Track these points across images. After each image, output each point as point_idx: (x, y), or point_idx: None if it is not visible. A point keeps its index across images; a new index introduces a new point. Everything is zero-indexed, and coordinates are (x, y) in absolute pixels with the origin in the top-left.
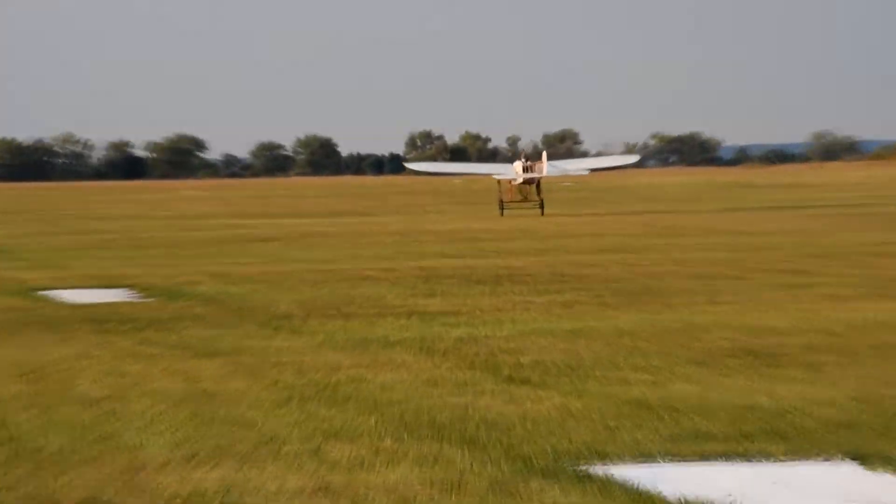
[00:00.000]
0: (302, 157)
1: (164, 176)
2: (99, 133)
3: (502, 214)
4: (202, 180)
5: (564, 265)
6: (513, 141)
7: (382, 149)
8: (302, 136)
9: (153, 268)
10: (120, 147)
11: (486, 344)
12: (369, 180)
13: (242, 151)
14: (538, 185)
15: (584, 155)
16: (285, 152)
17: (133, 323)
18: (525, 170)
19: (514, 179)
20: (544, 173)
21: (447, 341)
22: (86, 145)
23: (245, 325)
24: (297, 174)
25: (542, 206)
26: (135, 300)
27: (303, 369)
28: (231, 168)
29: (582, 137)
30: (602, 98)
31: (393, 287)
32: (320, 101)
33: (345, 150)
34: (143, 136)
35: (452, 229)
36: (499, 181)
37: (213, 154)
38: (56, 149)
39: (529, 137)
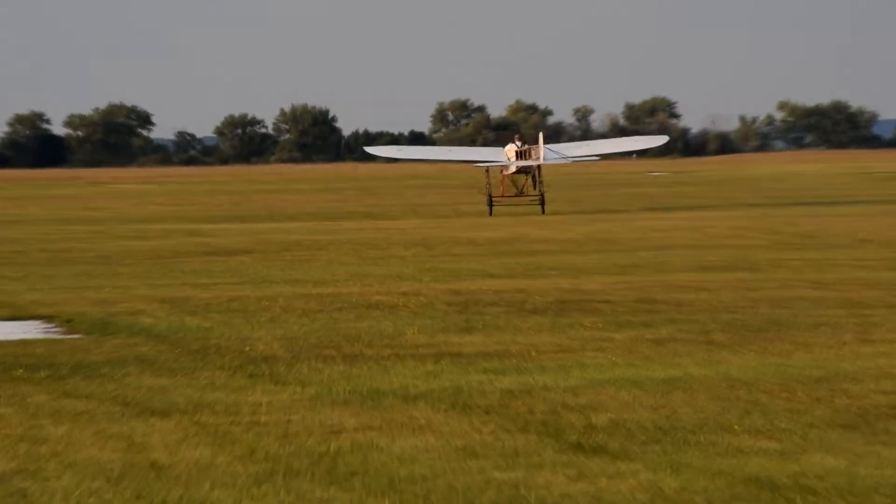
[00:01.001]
0: (287, 137)
1: (93, 162)
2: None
3: (491, 213)
4: (146, 169)
5: (655, 288)
6: (583, 114)
7: (399, 125)
8: (287, 107)
9: (78, 291)
10: (30, 122)
11: (544, 398)
12: (381, 169)
13: (204, 129)
14: (536, 175)
15: (684, 133)
16: (264, 130)
17: (52, 369)
18: (520, 155)
19: (506, 168)
20: (541, 160)
21: (490, 394)
22: None
23: (208, 370)
24: (281, 160)
25: (542, 202)
26: (54, 337)
27: (289, 433)
28: (188, 152)
29: (679, 109)
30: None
31: (415, 318)
32: (314, 60)
33: (346, 127)
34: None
35: (498, 237)
36: (486, 170)
37: (163, 132)
38: None
39: (605, 109)
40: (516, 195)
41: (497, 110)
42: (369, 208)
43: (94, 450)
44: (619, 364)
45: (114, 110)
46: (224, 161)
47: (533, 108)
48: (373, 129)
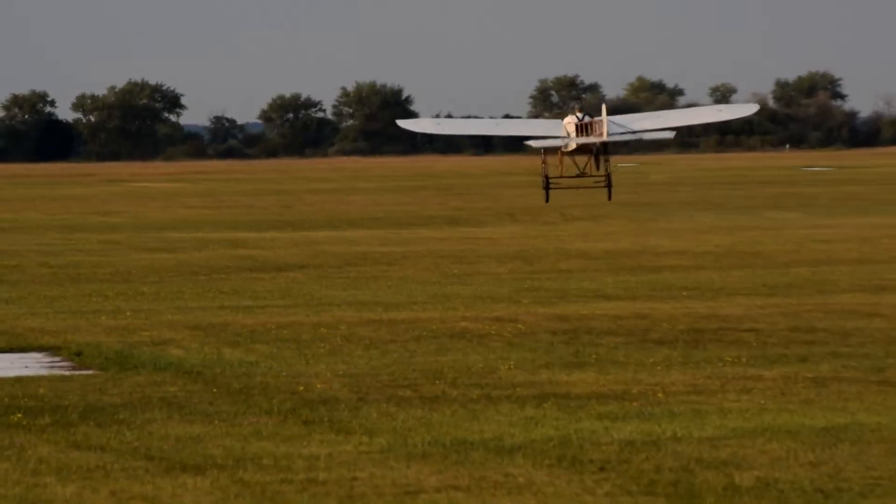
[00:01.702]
0: (351, 123)
1: (109, 155)
2: None
3: (547, 199)
4: (175, 163)
5: (815, 314)
6: (722, 94)
7: (491, 108)
8: (350, 85)
9: (90, 317)
10: (30, 105)
11: (674, 451)
12: (468, 162)
13: (246, 113)
14: (601, 154)
15: (851, 118)
16: (321, 114)
17: (58, 413)
18: (580, 130)
19: (565, 146)
20: (605, 136)
21: (606, 447)
22: None
23: (253, 415)
24: (342, 152)
25: (609, 185)
26: (60, 373)
27: (354, 494)
28: (226, 142)
29: (844, 88)
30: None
31: (511, 351)
32: (384, 27)
33: (424, 110)
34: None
35: (617, 248)
36: (542, 149)
37: (195, 117)
38: None
39: (751, 88)
40: (577, 176)
41: (614, 89)
42: (453, 212)
43: None
44: (770, 409)
45: (134, 90)
46: (271, 153)
47: (659, 87)
48: (457, 112)
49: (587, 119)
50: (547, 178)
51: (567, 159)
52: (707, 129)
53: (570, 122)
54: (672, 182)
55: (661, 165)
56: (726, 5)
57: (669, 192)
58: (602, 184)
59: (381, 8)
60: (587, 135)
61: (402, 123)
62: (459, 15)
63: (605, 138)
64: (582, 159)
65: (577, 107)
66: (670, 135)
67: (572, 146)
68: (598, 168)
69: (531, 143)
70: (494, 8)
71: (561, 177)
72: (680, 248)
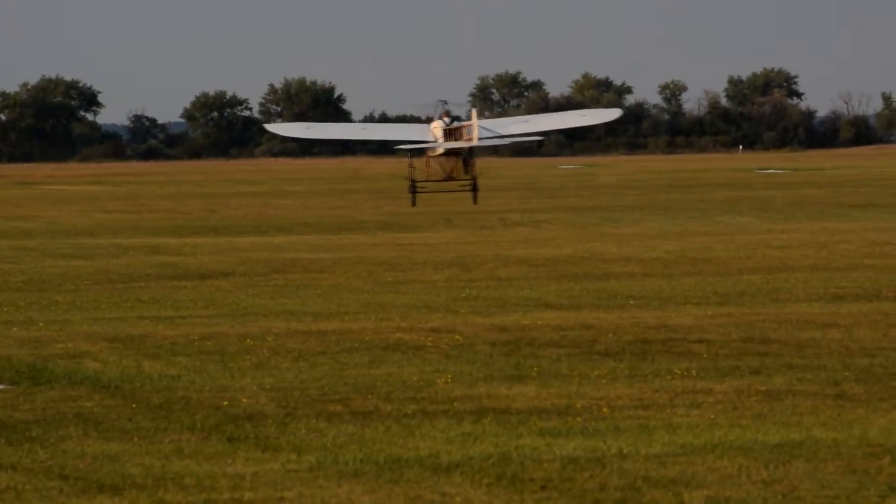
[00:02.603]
0: (280, 122)
1: (22, 156)
2: None
3: (414, 203)
4: (92, 164)
5: (768, 323)
6: (672, 92)
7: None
8: (279, 82)
9: (2, 328)
10: None
11: (620, 469)
12: (403, 165)
13: (168, 111)
14: (468, 158)
15: (807, 117)
16: (248, 112)
17: None
18: (448, 134)
19: (432, 150)
20: (475, 140)
21: (549, 464)
22: None
23: (174, 432)
24: (270, 153)
25: (474, 189)
26: None
27: None
28: (146, 142)
29: (801, 86)
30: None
31: (448, 363)
32: (314, 22)
33: (357, 109)
34: None
35: (560, 255)
36: (409, 152)
37: (113, 115)
38: None
39: (702, 85)
40: (444, 180)
41: (558, 87)
42: (387, 217)
43: None
44: (721, 424)
45: (48, 87)
46: (195, 154)
47: (606, 85)
48: (392, 111)
49: (454, 124)
50: (413, 181)
51: (434, 163)
52: (656, 129)
53: (437, 126)
54: (619, 185)
55: (607, 167)
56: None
57: (616, 195)
58: (468, 188)
59: (313, 3)
60: (455, 139)
61: (270, 128)
62: (397, 10)
63: (475, 143)
64: (449, 162)
65: (444, 112)
66: (539, 138)
67: (440, 151)
68: (465, 172)
69: (400, 147)
70: (434, 3)
71: (427, 180)
72: (627, 255)
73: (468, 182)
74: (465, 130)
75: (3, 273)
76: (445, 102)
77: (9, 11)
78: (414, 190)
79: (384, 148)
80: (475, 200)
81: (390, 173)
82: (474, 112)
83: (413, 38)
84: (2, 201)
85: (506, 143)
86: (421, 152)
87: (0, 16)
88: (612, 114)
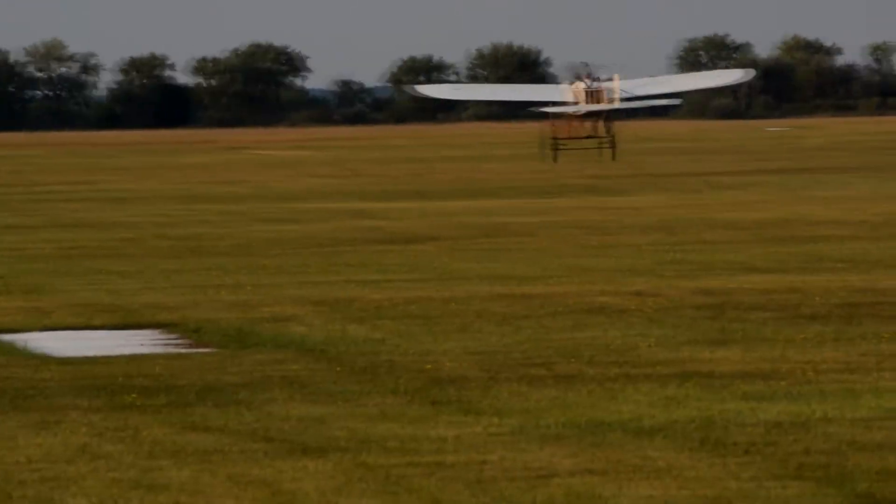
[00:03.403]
0: (481, 83)
1: (230, 121)
2: (107, 45)
3: (555, 159)
4: (299, 129)
5: None
6: (882, 52)
7: (634, 69)
8: (485, 47)
9: (210, 291)
10: (146, 68)
11: (825, 434)
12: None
13: (374, 76)
14: (608, 118)
15: None
16: (454, 77)
17: (174, 394)
18: (589, 95)
19: (575, 111)
20: (617, 101)
21: (753, 428)
22: (86, 66)
23: (378, 395)
24: (477, 117)
25: (613, 146)
26: (177, 351)
27: (484, 478)
28: (353, 106)
29: None
30: None
31: (652, 327)
32: None
33: (560, 68)
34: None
35: (766, 218)
36: (549, 113)
37: (320, 80)
38: (31, 71)
39: None
40: (585, 138)
41: (766, 49)
42: (592, 181)
43: (229, 500)
44: None
45: (256, 53)
46: (401, 119)
47: (814, 47)
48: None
49: (595, 86)
50: (555, 139)
51: (575, 121)
52: (866, 91)
53: (578, 88)
54: (828, 147)
55: (815, 129)
56: None
57: (825, 157)
58: (607, 145)
59: None
60: (596, 101)
61: (419, 88)
62: None
63: (616, 105)
64: (589, 123)
65: (586, 74)
66: (677, 100)
67: (582, 110)
68: (605, 130)
69: (548, 109)
70: None
71: (569, 138)
72: (835, 218)
73: (607, 140)
74: (604, 92)
75: (212, 237)
76: (587, 65)
77: None
78: (556, 147)
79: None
80: (614, 157)
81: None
82: (616, 76)
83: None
84: (212, 166)
85: (643, 104)
86: (563, 114)
87: None
88: (747, 74)
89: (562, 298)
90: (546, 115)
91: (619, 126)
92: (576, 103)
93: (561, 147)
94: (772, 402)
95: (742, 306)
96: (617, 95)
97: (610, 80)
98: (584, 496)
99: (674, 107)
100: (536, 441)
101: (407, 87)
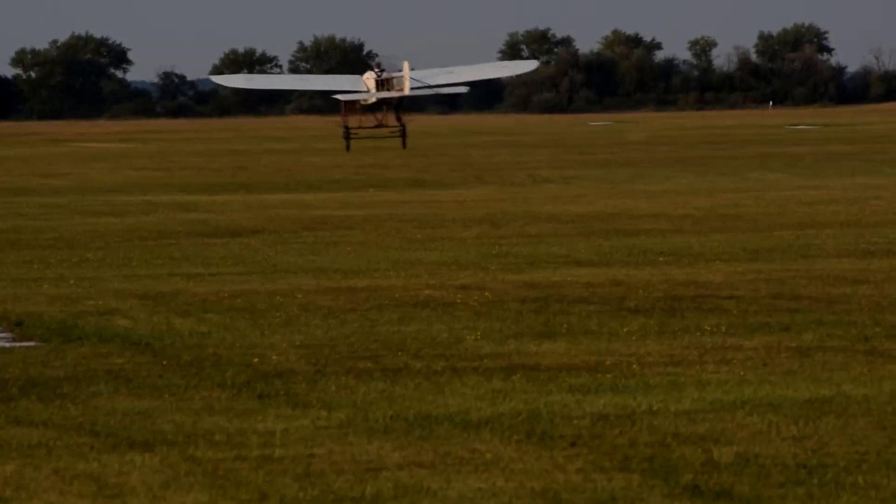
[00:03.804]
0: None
1: (52, 113)
2: None
3: (348, 147)
4: (122, 121)
5: (799, 280)
6: (702, 47)
7: (448, 59)
8: (308, 40)
9: (32, 285)
10: None
11: (650, 426)
12: (431, 122)
13: (197, 69)
14: (398, 107)
15: (837, 73)
16: (278, 70)
17: None
18: (380, 85)
19: (364, 99)
20: (406, 90)
21: (579, 421)
22: None
23: (205, 389)
24: (300, 110)
25: (403, 135)
26: (0, 345)
27: (312, 472)
28: (176, 99)
29: (831, 41)
30: None
31: (478, 320)
32: None
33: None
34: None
35: (590, 211)
36: (343, 102)
37: (142, 73)
38: None
39: (732, 41)
40: (375, 127)
41: (588, 44)
42: (417, 174)
43: (54, 495)
44: (750, 381)
45: (78, 44)
46: (224, 111)
47: (636, 41)
48: (420, 67)
49: (385, 75)
50: (347, 128)
51: (366, 110)
52: (686, 86)
53: (369, 77)
54: (649, 141)
55: (637, 124)
56: None
57: (646, 151)
58: (397, 134)
59: None
60: (387, 89)
61: (214, 79)
62: None
63: (405, 92)
64: (380, 112)
65: (376, 64)
66: (464, 89)
67: (372, 100)
68: (397, 120)
69: (338, 96)
70: None
71: (360, 127)
72: (657, 211)
73: (397, 128)
74: (395, 81)
75: (33, 230)
76: (377, 55)
77: None
78: (347, 136)
79: (415, 104)
80: (404, 145)
81: (415, 131)
82: (406, 64)
83: None
84: (33, 158)
85: (434, 91)
86: (354, 102)
87: None
88: (530, 65)
89: (387, 291)
90: (339, 105)
91: (411, 116)
92: (367, 91)
93: (353, 136)
94: (597, 394)
95: (566, 299)
96: (406, 84)
97: (399, 70)
98: (412, 489)
99: (462, 95)
100: (364, 434)
101: (212, 77)
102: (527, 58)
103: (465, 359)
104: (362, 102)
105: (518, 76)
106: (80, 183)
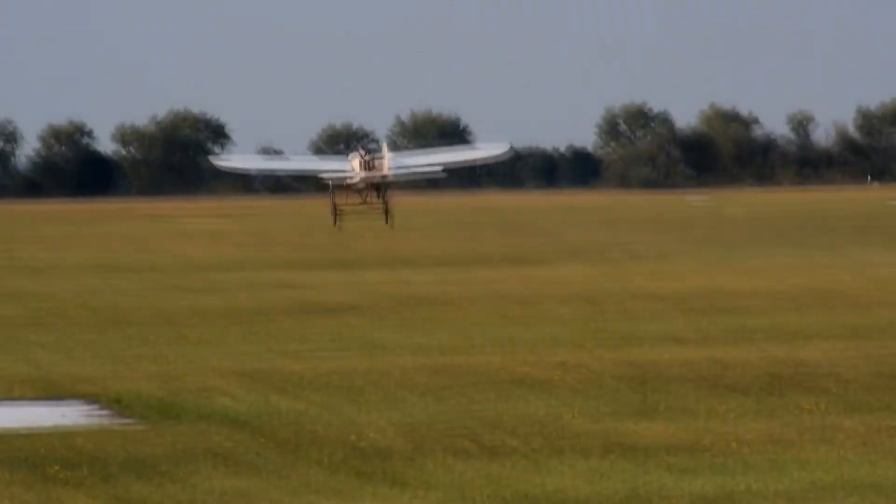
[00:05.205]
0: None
1: (152, 190)
2: (31, 113)
3: (336, 224)
4: (221, 198)
5: None
6: (799, 122)
7: (554, 139)
8: (405, 114)
9: (131, 362)
10: (68, 137)
11: None
12: (528, 199)
13: (297, 143)
14: (382, 187)
15: None
16: (373, 144)
17: (97, 466)
18: (365, 166)
19: (351, 179)
20: (387, 171)
21: (677, 500)
22: (4, 133)
23: (302, 467)
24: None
25: (387, 214)
26: (99, 422)
27: None
28: (276, 175)
29: None
30: None
31: (576, 397)
32: (428, 55)
33: (483, 139)
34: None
35: (688, 288)
36: (330, 182)
37: (243, 148)
38: None
39: (831, 116)
40: (360, 204)
41: (685, 118)
42: (513, 249)
43: None
44: (851, 460)
45: (177, 121)
46: (323, 187)
47: (733, 116)
48: (519, 143)
49: (370, 157)
50: (335, 204)
51: (353, 190)
52: (784, 160)
53: (355, 159)
54: (747, 217)
55: (735, 200)
56: (803, 26)
57: (745, 227)
58: (381, 212)
59: (440, 35)
60: (370, 170)
61: (218, 164)
62: (520, 40)
63: (385, 173)
64: (365, 190)
65: (361, 146)
66: (440, 169)
67: (357, 180)
68: (381, 199)
69: (324, 175)
70: (556, 37)
71: (346, 204)
72: (755, 289)
73: (381, 207)
74: (377, 162)
75: (133, 307)
76: (364, 137)
77: (133, 39)
78: (336, 214)
79: (513, 180)
80: (387, 221)
81: (512, 207)
82: (384, 146)
83: (539, 68)
84: (133, 236)
85: (410, 172)
86: (343, 180)
87: (125, 43)
88: (502, 148)
89: (485, 369)
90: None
91: (394, 196)
92: (354, 172)
93: (340, 212)
94: (696, 474)
95: (664, 377)
96: (387, 166)
97: (380, 154)
98: None
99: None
100: None
101: (212, 159)
102: (623, 132)
103: (563, 437)
104: (348, 181)
105: (614, 151)
106: (179, 260)
